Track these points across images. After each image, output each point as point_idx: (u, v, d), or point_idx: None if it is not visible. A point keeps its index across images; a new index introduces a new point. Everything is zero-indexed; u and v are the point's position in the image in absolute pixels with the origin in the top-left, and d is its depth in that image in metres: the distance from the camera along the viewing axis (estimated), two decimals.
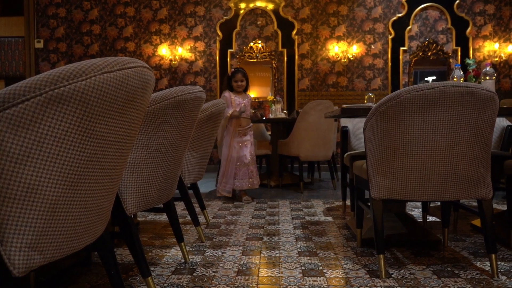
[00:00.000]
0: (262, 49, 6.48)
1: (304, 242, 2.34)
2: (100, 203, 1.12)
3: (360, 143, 3.33)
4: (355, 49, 6.35)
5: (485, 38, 6.30)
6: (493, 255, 1.79)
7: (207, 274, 1.83)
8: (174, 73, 6.54)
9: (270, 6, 6.46)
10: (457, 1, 6.27)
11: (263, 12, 6.50)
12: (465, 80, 2.49)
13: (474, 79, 2.46)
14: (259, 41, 6.48)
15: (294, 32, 6.44)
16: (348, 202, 3.29)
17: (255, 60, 6.49)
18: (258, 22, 6.50)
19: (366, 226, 2.35)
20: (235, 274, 1.83)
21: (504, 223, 2.32)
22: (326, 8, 6.44)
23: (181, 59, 6.50)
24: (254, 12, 6.51)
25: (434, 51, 6.29)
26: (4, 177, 0.84)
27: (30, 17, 6.53)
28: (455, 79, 2.42)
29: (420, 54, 6.31)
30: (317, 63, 6.46)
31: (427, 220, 2.86)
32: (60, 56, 6.60)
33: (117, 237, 2.12)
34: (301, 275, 1.81)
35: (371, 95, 3.29)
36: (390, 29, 6.35)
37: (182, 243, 2.00)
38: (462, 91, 1.68)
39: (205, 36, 6.52)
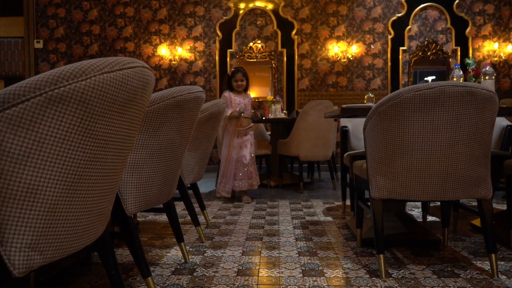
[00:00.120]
0: (261, 49, 6.48)
1: (304, 242, 2.34)
2: (100, 203, 1.12)
3: (360, 143, 3.33)
4: (354, 49, 6.35)
5: (484, 38, 6.31)
6: (493, 255, 1.79)
7: (207, 274, 1.83)
8: (173, 73, 6.53)
9: (270, 6, 6.47)
10: (457, 1, 6.27)
11: (262, 12, 6.50)
12: (465, 80, 2.49)
13: (473, 79, 2.47)
14: (259, 41, 6.48)
15: (293, 32, 6.44)
16: (348, 202, 3.29)
17: (255, 60, 6.49)
18: (258, 22, 6.51)
19: (366, 226, 2.35)
20: (235, 274, 1.83)
21: (504, 223, 2.32)
22: (325, 8, 6.44)
23: (181, 59, 6.50)
24: (254, 12, 6.51)
25: (434, 51, 6.29)
26: (4, 177, 0.84)
27: (29, 17, 6.53)
28: (454, 79, 2.42)
29: (420, 54, 6.32)
30: (317, 63, 6.46)
31: (427, 220, 2.86)
32: (59, 56, 6.60)
33: (117, 237, 2.12)
34: (301, 275, 1.81)
35: (370, 95, 3.29)
36: (390, 29, 6.35)
37: (182, 243, 2.00)
38: (462, 91, 1.68)
39: (205, 36, 6.52)
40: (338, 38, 6.42)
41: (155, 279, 1.77)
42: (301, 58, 6.47)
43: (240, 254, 2.12)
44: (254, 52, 6.48)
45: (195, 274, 1.84)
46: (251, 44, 6.47)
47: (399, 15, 6.35)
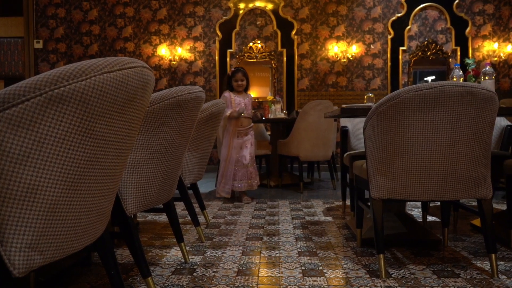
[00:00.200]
0: (261, 49, 6.48)
1: (304, 242, 2.34)
2: (100, 203, 1.12)
3: (360, 143, 3.34)
4: (354, 49, 6.35)
5: (484, 38, 6.31)
6: (493, 255, 1.79)
7: (207, 274, 1.83)
8: (173, 73, 6.53)
9: (270, 6, 6.47)
10: (457, 1, 6.27)
11: (262, 12, 6.50)
12: (465, 80, 2.49)
13: (473, 79, 2.47)
14: (259, 41, 6.48)
15: (293, 32, 6.44)
16: (348, 202, 3.29)
17: (255, 60, 6.49)
18: (258, 22, 6.51)
19: (366, 226, 2.35)
20: (235, 274, 1.83)
21: (504, 223, 2.32)
22: (325, 8, 6.44)
23: (181, 59, 6.50)
24: (254, 12, 6.51)
25: (434, 51, 6.30)
26: (4, 177, 0.84)
27: (29, 17, 6.53)
28: (454, 79, 2.43)
29: (420, 54, 6.32)
30: (317, 63, 6.46)
31: (427, 220, 2.86)
32: (59, 56, 6.60)
33: (117, 237, 2.12)
34: (301, 275, 1.81)
35: (370, 95, 3.29)
36: (390, 29, 6.35)
37: (182, 243, 2.00)
38: (462, 91, 1.68)
39: (205, 36, 6.52)
40: (338, 38, 6.42)
41: (155, 279, 1.77)
42: (301, 58, 6.47)
43: (240, 254, 2.12)
44: (254, 52, 6.48)
45: (195, 274, 1.84)
46: (251, 44, 6.47)
47: (399, 15, 6.35)
